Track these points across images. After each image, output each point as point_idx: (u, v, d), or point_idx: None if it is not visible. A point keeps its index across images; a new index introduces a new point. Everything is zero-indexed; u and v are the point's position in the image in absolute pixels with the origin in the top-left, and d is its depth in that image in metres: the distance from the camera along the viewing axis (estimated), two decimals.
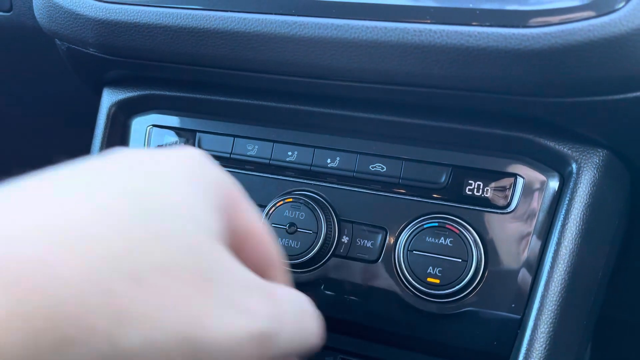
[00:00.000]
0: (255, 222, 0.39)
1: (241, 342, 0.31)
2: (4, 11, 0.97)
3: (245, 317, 0.32)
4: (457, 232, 0.61)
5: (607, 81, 0.50)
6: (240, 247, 0.37)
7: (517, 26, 0.49)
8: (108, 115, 0.76)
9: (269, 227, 0.66)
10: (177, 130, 0.75)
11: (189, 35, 0.60)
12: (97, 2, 0.63)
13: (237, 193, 0.39)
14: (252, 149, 0.72)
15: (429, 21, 0.52)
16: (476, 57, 0.51)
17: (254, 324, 0.32)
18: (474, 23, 0.51)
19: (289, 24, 0.56)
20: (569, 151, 0.59)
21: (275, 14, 0.57)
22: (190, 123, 0.75)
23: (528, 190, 0.62)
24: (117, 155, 0.34)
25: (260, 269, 0.38)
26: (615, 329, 1.02)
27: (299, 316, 0.38)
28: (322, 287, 0.68)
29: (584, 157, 0.59)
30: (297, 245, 0.66)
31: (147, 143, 0.77)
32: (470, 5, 0.51)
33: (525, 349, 0.57)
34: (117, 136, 0.78)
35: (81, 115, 0.92)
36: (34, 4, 0.68)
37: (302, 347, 0.39)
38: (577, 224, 0.58)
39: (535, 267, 0.61)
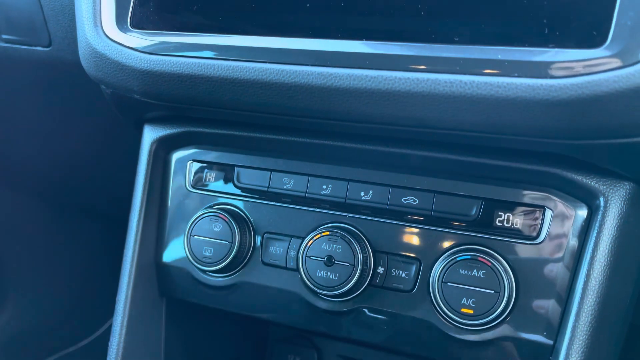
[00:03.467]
0: None
1: None
2: (43, 46, 1.01)
3: None
4: (489, 264, 0.64)
5: (632, 126, 0.52)
6: None
7: (545, 77, 0.52)
8: (150, 151, 0.80)
9: (307, 259, 0.70)
10: (217, 165, 0.79)
11: (229, 85, 0.63)
12: (141, 54, 0.66)
13: None
14: (288, 183, 0.75)
15: (459, 72, 0.55)
16: (505, 106, 0.54)
17: None
18: (502, 74, 0.53)
19: (325, 75, 0.59)
20: (596, 185, 0.62)
21: (312, 65, 0.60)
22: (229, 158, 0.78)
23: (557, 222, 0.64)
24: None
25: None
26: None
27: None
28: (358, 315, 0.72)
29: (610, 191, 0.61)
30: (335, 277, 0.69)
31: (188, 177, 0.81)
32: (499, 57, 0.54)
33: None
34: (159, 170, 0.82)
35: (121, 148, 0.96)
36: (80, 53, 0.72)
37: None
38: (606, 256, 0.61)
39: (565, 296, 0.63)
